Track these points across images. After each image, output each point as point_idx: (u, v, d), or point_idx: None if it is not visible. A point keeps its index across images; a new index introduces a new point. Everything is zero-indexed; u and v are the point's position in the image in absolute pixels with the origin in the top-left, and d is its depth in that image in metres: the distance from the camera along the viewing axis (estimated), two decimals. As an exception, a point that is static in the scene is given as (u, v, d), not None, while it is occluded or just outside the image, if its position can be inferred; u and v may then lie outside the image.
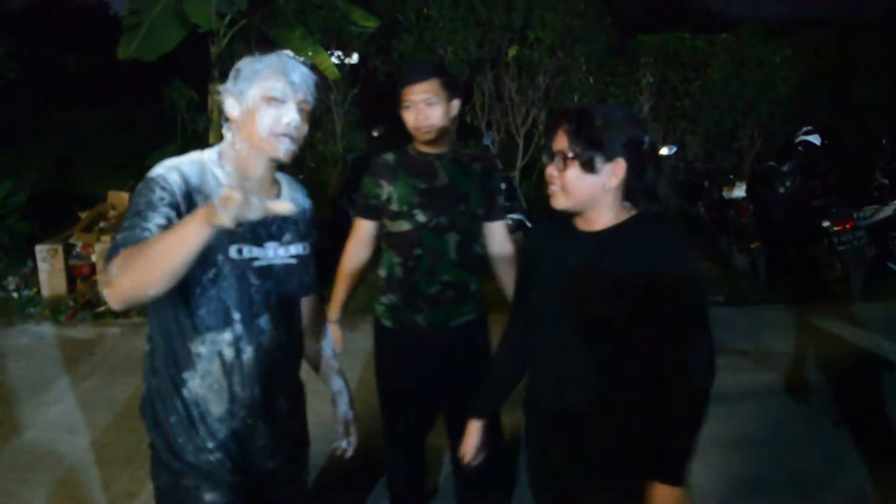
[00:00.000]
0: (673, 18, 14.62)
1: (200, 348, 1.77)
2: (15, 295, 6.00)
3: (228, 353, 1.78)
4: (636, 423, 1.83)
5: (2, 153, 10.91)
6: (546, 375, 1.92)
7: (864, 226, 6.34)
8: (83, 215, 6.39)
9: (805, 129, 7.39)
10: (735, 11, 26.91)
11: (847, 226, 6.11)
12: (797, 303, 6.06)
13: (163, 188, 1.67)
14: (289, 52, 1.83)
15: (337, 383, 2.15)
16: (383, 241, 2.72)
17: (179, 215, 1.66)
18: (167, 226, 1.63)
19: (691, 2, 23.84)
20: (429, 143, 2.59)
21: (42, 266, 5.90)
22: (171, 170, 1.71)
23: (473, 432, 2.16)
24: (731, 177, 7.11)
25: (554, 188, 1.82)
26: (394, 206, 2.60)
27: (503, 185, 6.08)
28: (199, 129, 6.98)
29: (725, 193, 7.08)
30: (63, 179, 10.55)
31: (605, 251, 1.80)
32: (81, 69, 20.16)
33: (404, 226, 2.59)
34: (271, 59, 1.79)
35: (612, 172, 1.77)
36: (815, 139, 7.20)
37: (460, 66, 7.84)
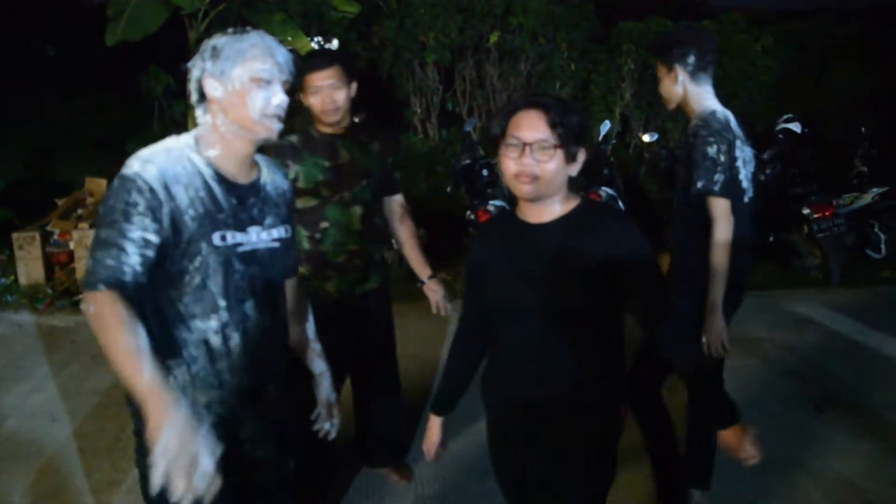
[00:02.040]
0: (655, 6, 14.62)
1: (186, 335, 1.75)
2: (-9, 282, 5.92)
3: (215, 340, 1.76)
4: (613, 396, 1.92)
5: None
6: (522, 366, 1.93)
7: (844, 213, 6.40)
8: (60, 202, 6.31)
9: (785, 116, 7.42)
10: (717, 1, 26.97)
11: (826, 213, 6.17)
12: (777, 289, 6.11)
13: (139, 190, 1.63)
14: (262, 32, 1.80)
15: (319, 366, 2.14)
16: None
17: (157, 219, 1.64)
18: (143, 245, 1.62)
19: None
20: (332, 124, 2.77)
21: (19, 254, 5.83)
22: (147, 163, 1.67)
23: (434, 429, 2.17)
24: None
25: (527, 178, 1.76)
26: (300, 184, 2.75)
27: (485, 172, 6.20)
28: (177, 114, 6.90)
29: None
30: (41, 167, 10.40)
31: (564, 241, 1.82)
32: (61, 56, 19.84)
33: (311, 202, 2.78)
34: (254, 39, 1.74)
35: (579, 161, 1.82)
36: (795, 127, 7.23)
37: (442, 52, 7.80)
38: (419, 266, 3.13)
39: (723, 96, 8.16)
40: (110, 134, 9.86)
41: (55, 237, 5.99)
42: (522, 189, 1.79)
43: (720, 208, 2.65)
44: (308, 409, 2.14)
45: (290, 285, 2.04)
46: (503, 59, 8.18)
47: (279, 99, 1.75)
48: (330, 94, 2.71)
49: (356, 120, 2.95)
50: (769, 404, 4.04)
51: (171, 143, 1.76)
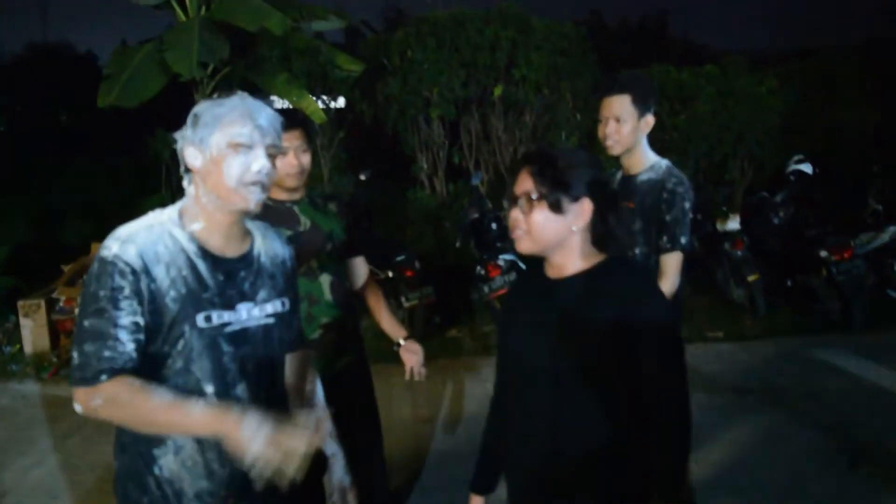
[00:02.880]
0: (656, 53, 14.73)
1: None
2: (-3, 352, 5.85)
3: None
4: (632, 464, 1.76)
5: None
6: (535, 437, 1.81)
7: (862, 253, 6.27)
8: (66, 269, 6.27)
9: (796, 157, 7.37)
10: (718, 45, 27.30)
11: (845, 255, 6.04)
12: (797, 335, 5.96)
13: (121, 273, 1.54)
14: (245, 94, 1.70)
15: (331, 447, 2.02)
16: None
17: (141, 302, 1.55)
18: (136, 329, 1.55)
19: (673, 36, 24.13)
20: (292, 189, 2.66)
21: (24, 322, 5.77)
22: (125, 243, 1.58)
23: None
24: (725, 209, 7.03)
25: (519, 232, 1.76)
26: None
27: (494, 226, 6.12)
28: (182, 178, 6.87)
29: (719, 226, 7.00)
30: (48, 231, 10.42)
31: (580, 299, 1.75)
32: (71, 120, 20.16)
33: None
34: (234, 102, 1.65)
35: (579, 213, 1.75)
36: (806, 168, 7.17)
37: (447, 107, 7.80)
38: (392, 328, 2.90)
39: (730, 140, 8.11)
40: (120, 198, 9.90)
41: (61, 304, 5.93)
42: (517, 243, 1.77)
43: (678, 263, 2.74)
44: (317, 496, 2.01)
45: (292, 359, 1.92)
46: (508, 112, 8.16)
47: (259, 164, 1.63)
48: (297, 156, 2.63)
49: (362, 177, 2.86)
50: (800, 461, 3.86)
51: (153, 218, 1.67)
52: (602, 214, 1.75)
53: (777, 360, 5.48)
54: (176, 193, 6.83)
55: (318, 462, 2.01)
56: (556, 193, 1.71)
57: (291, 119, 2.62)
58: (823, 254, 6.14)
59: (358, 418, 2.81)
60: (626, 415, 1.75)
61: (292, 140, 2.60)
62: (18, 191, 13.10)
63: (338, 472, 1.98)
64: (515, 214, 1.75)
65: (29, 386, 5.36)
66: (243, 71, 6.95)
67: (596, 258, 1.78)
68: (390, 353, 2.94)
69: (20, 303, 5.80)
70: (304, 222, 2.69)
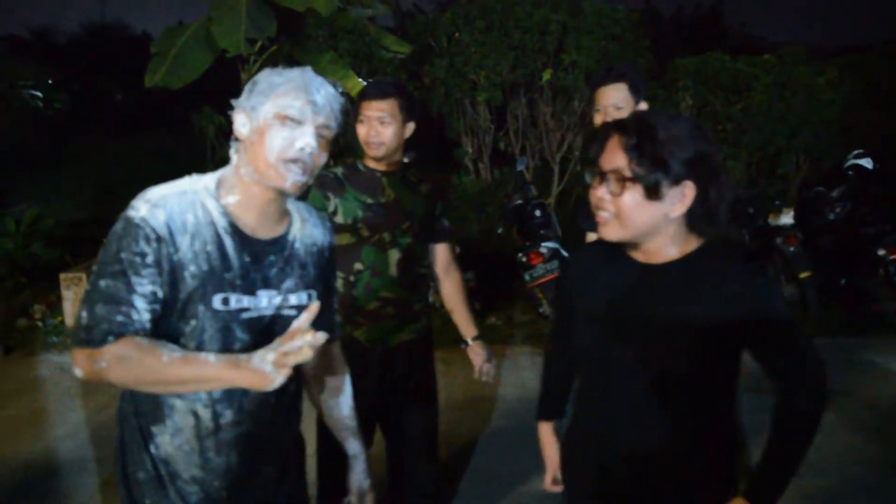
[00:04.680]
0: (711, 42, 14.34)
1: (174, 401, 1.55)
2: (40, 324, 5.91)
3: (204, 414, 1.56)
4: (709, 469, 1.62)
5: (41, 181, 11.01)
6: (611, 438, 1.66)
7: (921, 253, 6.01)
8: (108, 243, 6.32)
9: (855, 152, 7.07)
10: (776, 37, 26.59)
11: (904, 254, 5.78)
12: (851, 336, 5.72)
13: (146, 238, 1.45)
14: (308, 69, 1.59)
15: (353, 446, 1.89)
16: None
17: (161, 272, 1.46)
18: (153, 300, 1.46)
19: (730, 26, 23.56)
20: (377, 159, 2.62)
21: (66, 294, 5.82)
22: (155, 207, 1.48)
23: (547, 437, 1.94)
24: (778, 203, 6.78)
25: (605, 215, 1.53)
26: (339, 219, 2.59)
27: (538, 213, 6.00)
28: (227, 155, 6.88)
29: (772, 220, 6.75)
30: (99, 206, 10.59)
31: (680, 288, 1.53)
32: (126, 99, 20.55)
33: (346, 239, 2.59)
34: (293, 74, 1.54)
35: (679, 199, 1.49)
36: (866, 163, 6.88)
37: (493, 91, 7.67)
38: (463, 324, 2.86)
39: (785, 132, 7.85)
40: (169, 174, 9.98)
41: (103, 278, 5.97)
42: (600, 230, 1.55)
43: None
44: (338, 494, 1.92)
45: (322, 353, 1.79)
46: (556, 98, 7.99)
47: (304, 142, 1.51)
48: (376, 126, 2.56)
49: (405, 160, 2.79)
50: (850, 468, 3.68)
51: (188, 184, 1.56)
52: (704, 194, 1.49)
53: (828, 360, 5.23)
54: (220, 168, 6.80)
55: (337, 459, 1.93)
56: (654, 175, 1.46)
57: (377, 90, 2.58)
58: (881, 252, 5.93)
59: (411, 399, 2.78)
60: (717, 411, 1.61)
61: (375, 110, 2.55)
62: (73, 167, 13.37)
63: (357, 472, 1.89)
64: (601, 193, 1.51)
65: (68, 358, 5.39)
66: (290, 48, 6.91)
67: (693, 242, 1.57)
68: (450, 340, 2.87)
69: (62, 275, 5.85)
70: (389, 194, 2.64)
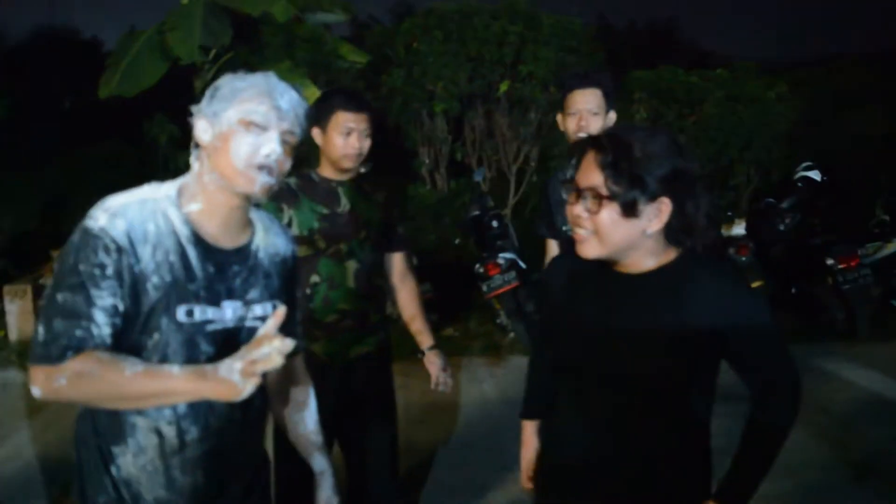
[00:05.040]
0: (663, 56, 14.60)
1: (136, 419, 1.48)
2: (-18, 338, 5.72)
3: (168, 432, 1.49)
4: (684, 476, 1.63)
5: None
6: (584, 449, 1.65)
7: (868, 263, 6.17)
8: (55, 254, 6.14)
9: (804, 164, 7.23)
10: (726, 51, 27.22)
11: (852, 263, 5.94)
12: (800, 343, 5.83)
13: (106, 249, 1.39)
14: (272, 74, 1.56)
15: (319, 462, 1.83)
16: None
17: (122, 284, 1.40)
18: (114, 313, 1.39)
19: (681, 40, 24.03)
20: (344, 170, 2.59)
21: (9, 308, 5.64)
22: (115, 217, 1.42)
23: (528, 437, 1.93)
24: (730, 214, 6.91)
25: (583, 233, 1.52)
26: (294, 230, 2.54)
27: (495, 224, 6.01)
28: (181, 165, 6.76)
29: (724, 231, 6.87)
30: (45, 217, 10.29)
31: (663, 295, 1.53)
32: (76, 106, 20.09)
33: (302, 251, 2.47)
34: (256, 79, 1.50)
35: (655, 214, 1.49)
36: (815, 175, 7.03)
37: (451, 102, 7.67)
38: (419, 334, 2.82)
39: (738, 145, 8.00)
40: (119, 183, 9.73)
41: (49, 290, 5.80)
42: (578, 247, 1.54)
43: None
44: None
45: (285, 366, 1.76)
46: (513, 109, 8.03)
47: (269, 148, 1.48)
48: (359, 139, 2.54)
49: (362, 170, 2.75)
50: (805, 472, 3.72)
51: (149, 192, 1.51)
52: (681, 209, 1.49)
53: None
54: (173, 178, 6.64)
55: (298, 477, 1.87)
56: (630, 193, 1.45)
57: (360, 101, 2.57)
58: (830, 262, 6.05)
59: (370, 413, 2.74)
60: (694, 419, 1.62)
61: (359, 122, 2.53)
62: (18, 176, 12.98)
63: (326, 489, 1.83)
64: (578, 211, 1.50)
65: (11, 374, 5.22)
66: (245, 56, 6.82)
67: (670, 253, 1.57)
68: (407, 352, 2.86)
69: (5, 287, 5.68)
70: (345, 204, 2.61)
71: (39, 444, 4.11)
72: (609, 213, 1.47)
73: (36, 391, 1.39)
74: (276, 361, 1.31)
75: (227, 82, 1.51)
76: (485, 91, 7.88)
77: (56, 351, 1.36)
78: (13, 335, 5.65)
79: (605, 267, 1.60)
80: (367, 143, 2.57)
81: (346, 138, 2.52)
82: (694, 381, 1.57)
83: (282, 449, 2.31)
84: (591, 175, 1.48)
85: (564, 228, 2.78)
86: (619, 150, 1.46)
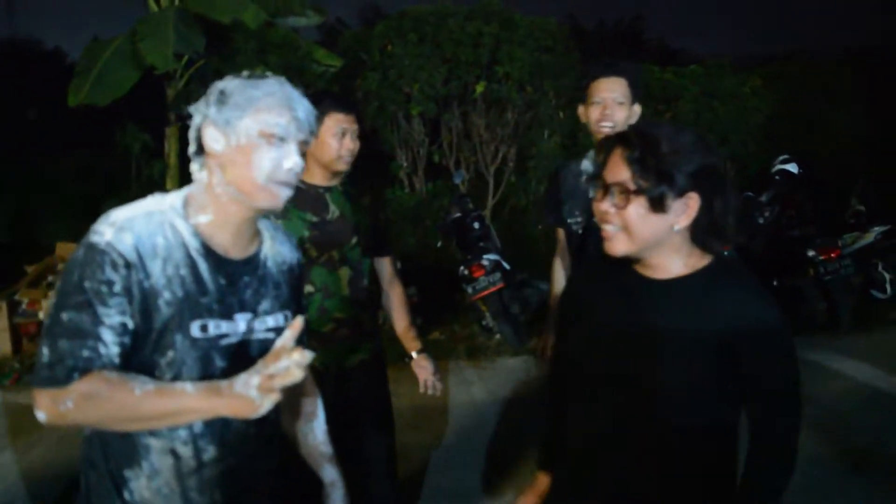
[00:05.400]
0: (633, 55, 14.68)
1: (150, 441, 1.42)
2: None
3: (184, 452, 1.43)
4: (709, 488, 1.59)
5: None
6: (597, 462, 1.61)
7: (847, 253, 6.21)
8: (30, 269, 5.99)
9: (781, 157, 7.28)
10: (695, 49, 27.49)
11: (833, 255, 5.98)
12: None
13: (113, 265, 1.32)
14: (283, 79, 1.48)
15: (330, 473, 1.77)
16: None
17: (131, 301, 1.34)
18: (123, 331, 1.32)
19: (650, 39, 24.23)
20: (332, 175, 2.54)
21: (-18, 324, 5.49)
22: (121, 231, 1.35)
23: (540, 488, 1.82)
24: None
25: (611, 229, 1.49)
26: None
27: (476, 225, 5.97)
28: (155, 174, 6.65)
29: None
30: (16, 231, 10.09)
31: (687, 306, 1.50)
32: (40, 117, 19.79)
33: None
34: (271, 86, 1.43)
35: (683, 210, 1.47)
36: (792, 168, 7.08)
37: (427, 104, 7.63)
38: (407, 338, 2.77)
39: (714, 140, 8.01)
40: (91, 193, 9.59)
41: (24, 307, 5.66)
42: (605, 245, 1.51)
43: None
44: None
45: None
46: (490, 110, 8.01)
47: (292, 162, 1.42)
48: (352, 140, 2.50)
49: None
50: (799, 464, 3.71)
51: (153, 204, 1.44)
52: (709, 206, 1.47)
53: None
54: (146, 189, 6.57)
55: (312, 489, 1.81)
56: (658, 188, 1.43)
57: (350, 102, 2.53)
58: (811, 253, 6.08)
59: (367, 421, 2.68)
60: (718, 432, 1.57)
61: (351, 123, 2.49)
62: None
63: (337, 501, 1.77)
64: (606, 206, 1.48)
65: (-10, 392, 5.08)
66: (217, 63, 6.72)
67: (699, 258, 1.54)
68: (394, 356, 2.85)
69: (-20, 304, 5.53)
70: (333, 211, 2.55)
71: (23, 464, 3.99)
72: (636, 208, 1.45)
73: (41, 416, 1.32)
74: (296, 375, 1.25)
75: (239, 88, 1.43)
76: (461, 92, 7.86)
77: (62, 372, 1.29)
78: (-16, 353, 5.51)
79: (632, 272, 1.58)
80: (357, 145, 2.53)
81: (341, 140, 2.48)
82: (720, 390, 1.53)
83: (290, 460, 2.24)
84: (619, 171, 1.46)
85: (570, 220, 2.73)
86: (647, 145, 1.44)
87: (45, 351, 1.31)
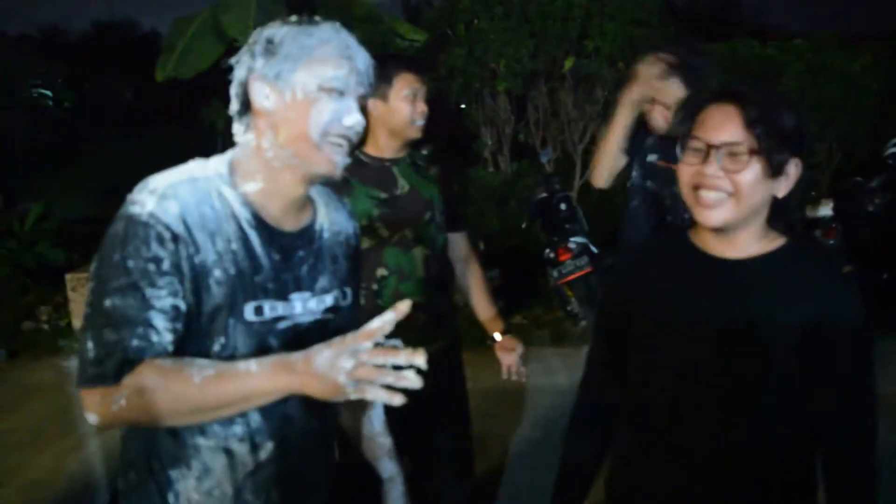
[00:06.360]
0: (727, 31, 14.04)
1: (199, 440, 1.26)
2: (46, 326, 5.69)
3: (240, 450, 1.27)
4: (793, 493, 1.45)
5: (50, 180, 10.83)
6: (674, 465, 1.44)
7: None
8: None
9: (895, 140, 6.77)
10: (792, 27, 26.25)
11: (953, 247, 5.50)
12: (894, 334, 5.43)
13: (159, 239, 1.16)
14: (337, 24, 1.31)
15: (388, 468, 1.59)
16: None
17: (182, 280, 1.17)
18: (175, 315, 1.16)
19: (745, 17, 23.28)
20: (400, 145, 2.35)
21: (73, 296, 5.59)
22: (165, 199, 1.19)
23: None
24: (814, 193, 6.50)
25: (714, 196, 1.33)
26: None
27: (563, 206, 5.73)
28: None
29: (809, 212, 6.45)
30: (109, 206, 10.40)
31: (771, 285, 1.37)
32: (137, 97, 20.52)
33: (365, 243, 2.16)
34: (326, 33, 1.26)
35: (789, 177, 1.36)
36: (907, 151, 6.58)
37: (514, 80, 7.38)
38: (489, 319, 2.57)
39: (820, 120, 7.54)
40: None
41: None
42: (704, 214, 1.35)
43: None
44: None
45: None
46: (578, 86, 7.71)
47: (354, 119, 1.26)
48: (422, 103, 2.30)
49: (423, 153, 2.51)
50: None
51: (197, 169, 1.27)
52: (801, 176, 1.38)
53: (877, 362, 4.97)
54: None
55: (368, 485, 1.65)
56: (781, 151, 1.32)
57: (420, 63, 2.37)
58: (927, 245, 5.61)
59: (443, 413, 2.47)
60: (797, 435, 1.42)
61: (422, 84, 2.30)
62: (81, 165, 13.21)
63: (395, 499, 1.60)
64: (712, 171, 1.33)
65: (75, 363, 5.16)
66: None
67: (774, 238, 1.42)
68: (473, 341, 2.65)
69: (68, 276, 5.65)
70: (403, 185, 2.35)
71: (103, 435, 3.96)
72: (754, 172, 1.33)
73: (92, 418, 1.17)
74: (415, 382, 1.10)
75: (290, 36, 1.25)
76: (549, 68, 7.57)
77: (112, 367, 1.14)
78: (76, 323, 5.62)
79: (697, 251, 1.44)
80: (425, 107, 2.34)
81: (413, 102, 2.28)
82: (803, 385, 1.39)
83: (344, 452, 2.10)
84: (732, 131, 1.32)
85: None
86: (768, 104, 1.33)
87: (90, 345, 1.16)
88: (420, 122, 2.31)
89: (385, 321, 1.11)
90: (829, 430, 1.41)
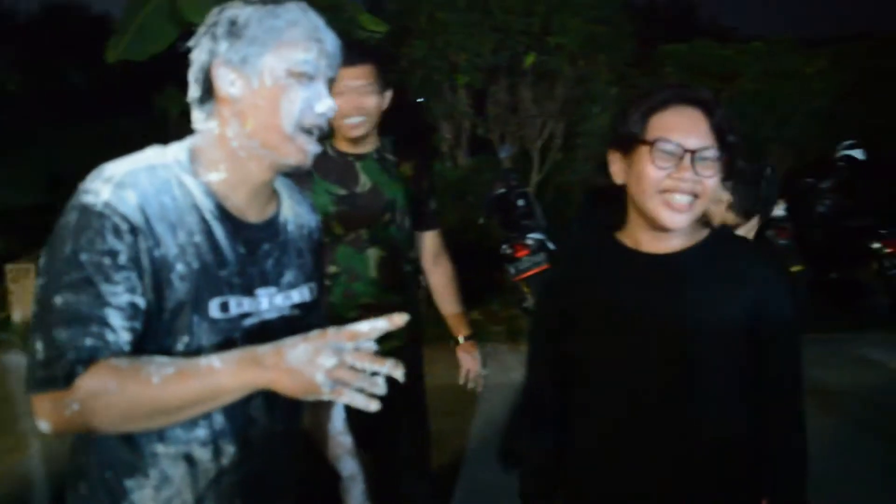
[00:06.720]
0: (685, 32, 14.23)
1: (158, 447, 1.17)
2: (-16, 319, 5.51)
3: (202, 456, 1.18)
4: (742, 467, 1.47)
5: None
6: (623, 458, 1.45)
7: (912, 247, 5.88)
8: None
9: (847, 142, 6.91)
10: (748, 30, 26.74)
11: (900, 248, 5.64)
12: (842, 332, 5.54)
13: (115, 231, 1.07)
14: (304, 3, 1.23)
15: (348, 466, 1.54)
16: None
17: (141, 275, 1.08)
18: (133, 313, 1.07)
19: (701, 19, 23.63)
20: (354, 139, 2.26)
21: (12, 287, 5.42)
22: (121, 188, 1.10)
23: None
24: (767, 194, 6.59)
25: (686, 200, 1.35)
26: None
27: (521, 202, 5.72)
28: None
29: (762, 212, 6.56)
30: (52, 195, 10.11)
31: (704, 273, 1.41)
32: (86, 82, 20.01)
33: None
34: (293, 13, 1.18)
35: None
36: (858, 154, 6.72)
37: (474, 74, 7.34)
38: (454, 321, 2.52)
39: (773, 122, 7.67)
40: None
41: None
42: (672, 217, 1.35)
43: None
44: None
45: None
46: (539, 83, 7.70)
47: (325, 106, 1.19)
48: (357, 99, 2.19)
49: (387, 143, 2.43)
50: (863, 473, 3.45)
51: (155, 157, 1.18)
52: None
53: (824, 357, 5.07)
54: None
55: (328, 484, 1.59)
56: (734, 154, 1.39)
57: (356, 51, 2.14)
58: (875, 245, 5.81)
59: (400, 410, 2.40)
60: (739, 417, 1.46)
61: (354, 77, 2.16)
62: (25, 153, 12.81)
63: (356, 496, 1.55)
64: (690, 175, 1.33)
65: (14, 357, 4.99)
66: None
67: (701, 231, 1.47)
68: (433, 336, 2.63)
69: (8, 266, 5.46)
70: (364, 183, 2.29)
71: (43, 435, 3.86)
72: (717, 176, 1.38)
73: (44, 425, 1.07)
74: (382, 389, 1.07)
75: (254, 17, 1.17)
76: (510, 63, 7.54)
77: (62, 369, 1.04)
78: (16, 316, 5.43)
79: (625, 249, 1.47)
80: (369, 101, 2.21)
81: (340, 100, 2.14)
82: (738, 376, 1.43)
83: (305, 451, 2.04)
84: (703, 136, 1.35)
85: None
86: (721, 110, 1.38)
87: (39, 346, 1.06)
88: (353, 121, 2.21)
89: (375, 327, 1.08)
90: (763, 414, 1.44)
